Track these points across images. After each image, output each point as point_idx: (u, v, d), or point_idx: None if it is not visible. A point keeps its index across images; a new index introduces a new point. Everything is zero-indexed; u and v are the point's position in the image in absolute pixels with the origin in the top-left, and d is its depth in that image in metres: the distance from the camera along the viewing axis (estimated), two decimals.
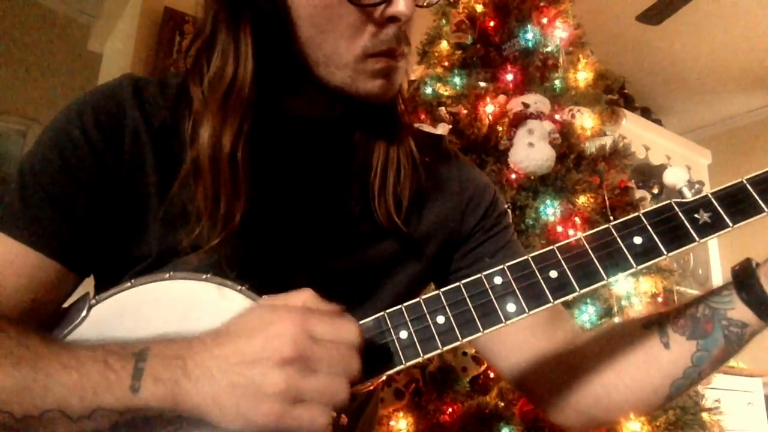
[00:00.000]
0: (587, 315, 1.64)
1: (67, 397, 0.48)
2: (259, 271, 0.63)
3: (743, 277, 0.62)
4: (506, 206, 1.70)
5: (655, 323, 0.67)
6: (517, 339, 0.75)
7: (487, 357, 0.79)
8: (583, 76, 2.05)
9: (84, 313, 0.58)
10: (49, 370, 0.49)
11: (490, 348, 0.77)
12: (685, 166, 4.02)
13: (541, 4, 2.10)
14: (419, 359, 0.56)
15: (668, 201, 0.60)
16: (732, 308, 0.63)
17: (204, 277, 0.59)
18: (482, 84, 2.01)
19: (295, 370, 0.48)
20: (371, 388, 0.76)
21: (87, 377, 0.49)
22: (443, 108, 1.97)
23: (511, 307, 0.57)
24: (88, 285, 0.66)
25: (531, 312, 0.57)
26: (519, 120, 1.85)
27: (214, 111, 0.63)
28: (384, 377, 0.57)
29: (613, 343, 0.70)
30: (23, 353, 0.50)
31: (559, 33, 2.06)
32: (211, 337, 0.51)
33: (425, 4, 0.67)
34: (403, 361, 0.56)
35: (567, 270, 0.58)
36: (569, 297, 0.58)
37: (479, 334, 0.57)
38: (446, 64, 2.11)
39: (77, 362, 0.50)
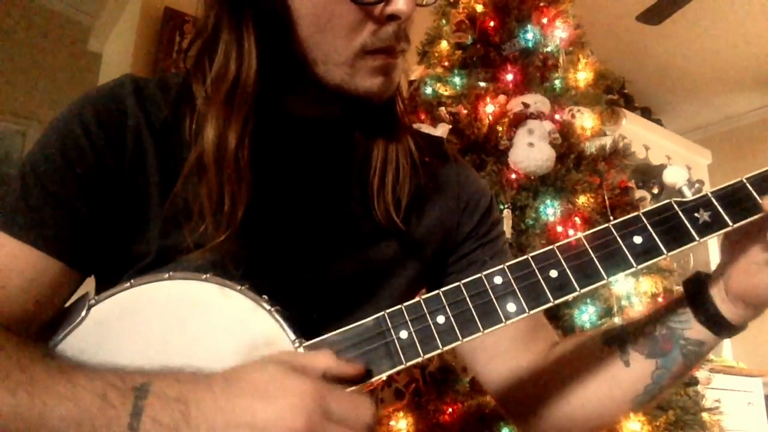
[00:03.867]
0: (587, 315, 1.64)
1: (64, 429, 0.47)
2: (261, 270, 0.64)
3: (695, 295, 0.64)
4: (502, 210, 1.71)
5: (616, 341, 0.68)
6: (498, 348, 0.75)
7: (469, 364, 0.79)
8: (583, 76, 2.05)
9: (83, 313, 0.57)
10: (46, 399, 0.48)
11: (472, 355, 0.78)
12: (685, 166, 4.02)
13: (541, 4, 2.09)
14: (419, 359, 0.56)
15: (668, 200, 0.60)
16: (689, 328, 0.64)
17: (204, 277, 0.59)
18: (482, 84, 2.00)
19: None
20: (371, 388, 0.76)
21: (85, 411, 0.47)
22: (443, 108, 1.96)
23: (511, 307, 0.58)
24: (88, 285, 0.66)
25: (531, 312, 0.57)
26: (519, 120, 1.85)
27: (219, 109, 0.63)
28: (384, 377, 0.57)
29: (579, 361, 0.71)
30: (21, 377, 0.49)
31: (559, 33, 2.06)
32: (220, 384, 0.49)
33: (424, 3, 0.67)
34: (404, 361, 0.56)
35: (567, 269, 0.58)
36: (569, 297, 0.58)
37: (479, 333, 0.57)
38: (446, 64, 2.11)
39: (75, 393, 0.48)
